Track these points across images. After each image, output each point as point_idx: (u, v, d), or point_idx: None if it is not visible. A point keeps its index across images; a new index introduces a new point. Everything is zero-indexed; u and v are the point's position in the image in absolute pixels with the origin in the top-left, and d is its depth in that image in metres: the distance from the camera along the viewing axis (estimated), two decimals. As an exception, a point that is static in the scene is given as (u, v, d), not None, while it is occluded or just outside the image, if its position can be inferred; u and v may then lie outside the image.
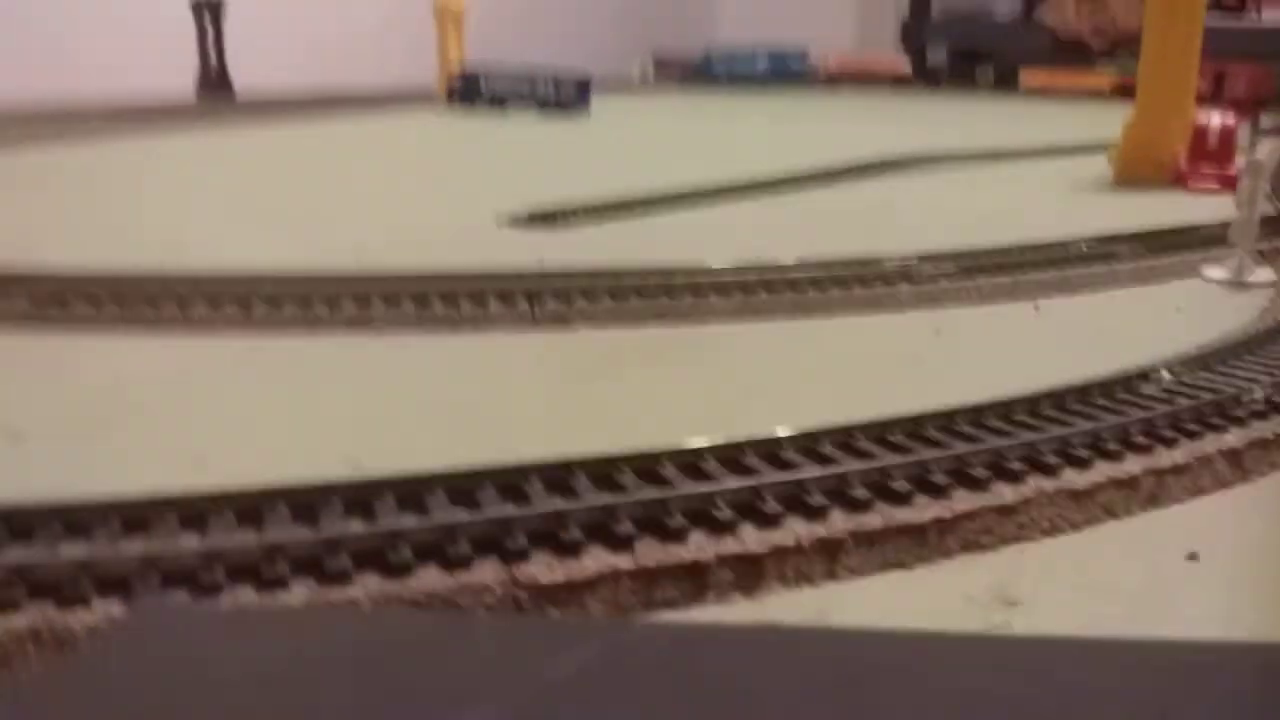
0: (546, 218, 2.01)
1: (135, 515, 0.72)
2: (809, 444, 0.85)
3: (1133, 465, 0.86)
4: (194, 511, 0.73)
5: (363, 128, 3.97)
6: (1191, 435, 0.92)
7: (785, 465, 0.82)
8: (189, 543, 0.69)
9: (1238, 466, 0.91)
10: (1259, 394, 1.00)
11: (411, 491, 0.76)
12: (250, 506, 0.73)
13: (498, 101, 4.55)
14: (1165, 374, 1.05)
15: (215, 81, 4.67)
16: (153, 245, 1.76)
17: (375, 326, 1.33)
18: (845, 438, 0.87)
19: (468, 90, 4.61)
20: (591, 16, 7.27)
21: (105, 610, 0.64)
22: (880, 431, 0.88)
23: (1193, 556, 0.76)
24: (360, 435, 0.98)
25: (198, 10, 4.53)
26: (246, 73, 4.73)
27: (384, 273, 1.44)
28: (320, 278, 1.41)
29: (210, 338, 1.29)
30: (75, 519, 0.71)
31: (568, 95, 4.44)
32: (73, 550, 0.68)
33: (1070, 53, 6.81)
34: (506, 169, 3.03)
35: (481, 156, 3.36)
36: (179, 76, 4.63)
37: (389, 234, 1.93)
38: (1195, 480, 0.88)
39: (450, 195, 2.49)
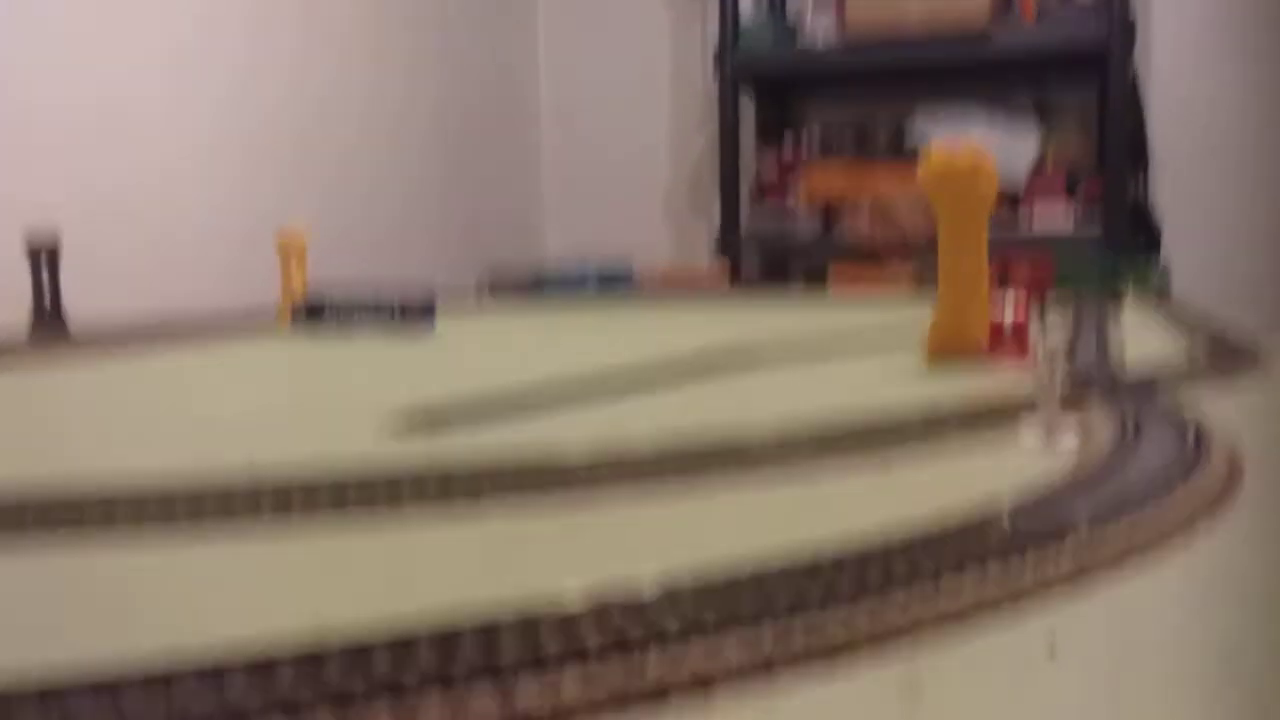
0: (426, 424, 2.13)
1: (153, 677, 0.80)
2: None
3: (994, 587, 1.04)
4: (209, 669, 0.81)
5: (212, 356, 4.03)
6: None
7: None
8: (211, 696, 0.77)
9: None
10: (1082, 526, 1.21)
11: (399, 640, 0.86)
12: (260, 663, 0.82)
13: (343, 324, 4.67)
14: (1004, 520, 1.25)
15: (49, 321, 4.65)
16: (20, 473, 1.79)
17: (296, 528, 1.41)
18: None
19: (312, 314, 4.71)
20: (426, 237, 7.57)
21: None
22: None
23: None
24: (320, 600, 1.07)
25: (34, 255, 4.54)
26: (82, 305, 4.74)
27: (287, 481, 1.53)
28: (225, 486, 1.49)
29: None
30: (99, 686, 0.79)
31: (413, 315, 4.61)
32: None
33: (868, 258, 7.50)
34: (366, 387, 3.15)
35: (338, 377, 3.46)
36: (7, 316, 4.60)
37: (275, 452, 2.01)
38: (1043, 597, 1.06)
39: (318, 414, 2.59)
